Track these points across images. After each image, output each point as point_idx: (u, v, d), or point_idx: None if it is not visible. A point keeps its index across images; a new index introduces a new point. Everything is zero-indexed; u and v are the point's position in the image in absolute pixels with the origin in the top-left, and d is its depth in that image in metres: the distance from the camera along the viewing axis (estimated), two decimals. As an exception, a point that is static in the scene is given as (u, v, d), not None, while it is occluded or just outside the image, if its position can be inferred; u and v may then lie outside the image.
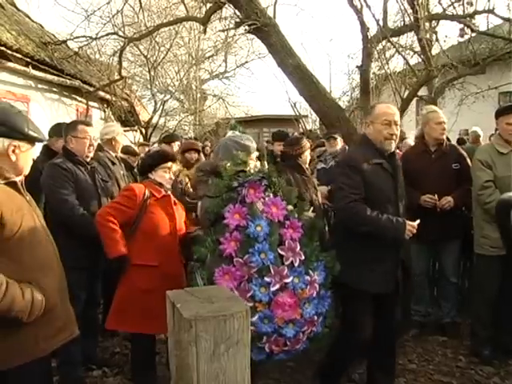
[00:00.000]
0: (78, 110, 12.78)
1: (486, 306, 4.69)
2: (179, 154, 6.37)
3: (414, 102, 11.50)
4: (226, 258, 3.22)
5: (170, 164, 4.17)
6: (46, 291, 2.42)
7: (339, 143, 7.37)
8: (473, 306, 4.93)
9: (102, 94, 13.34)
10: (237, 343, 1.81)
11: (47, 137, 4.77)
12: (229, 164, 3.49)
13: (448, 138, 5.53)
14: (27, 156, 2.56)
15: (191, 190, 5.80)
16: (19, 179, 2.51)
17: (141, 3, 11.33)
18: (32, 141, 2.56)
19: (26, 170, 2.60)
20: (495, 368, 4.54)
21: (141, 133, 15.42)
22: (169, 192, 4.16)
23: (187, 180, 6.02)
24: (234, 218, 3.27)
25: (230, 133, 5.74)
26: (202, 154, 7.19)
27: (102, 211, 3.90)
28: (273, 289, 3.14)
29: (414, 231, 3.66)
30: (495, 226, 4.45)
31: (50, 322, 2.48)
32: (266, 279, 3.13)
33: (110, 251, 3.79)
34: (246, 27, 8.35)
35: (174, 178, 4.34)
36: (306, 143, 5.30)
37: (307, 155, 5.29)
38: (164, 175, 4.12)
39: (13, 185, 2.45)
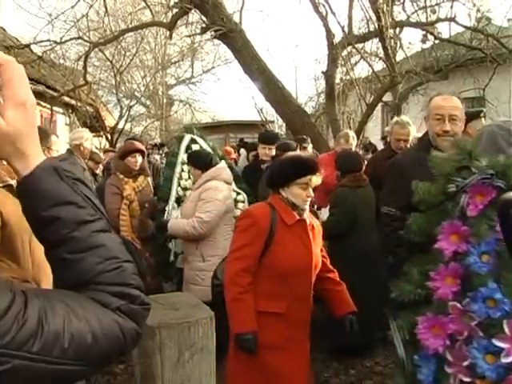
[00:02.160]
0: (42, 116, 12.57)
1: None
2: (116, 159, 5.23)
3: (379, 107, 11.67)
4: (438, 301, 2.04)
5: (309, 178, 3.00)
6: None
7: (310, 149, 7.31)
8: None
9: (66, 99, 13.13)
10: (201, 350, 1.80)
11: None
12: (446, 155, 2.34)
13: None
14: None
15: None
16: (14, 182, 2.55)
17: (106, 8, 11.20)
18: None
19: None
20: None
21: (106, 138, 15.23)
22: (305, 215, 3.07)
23: (132, 196, 4.89)
24: (451, 240, 2.08)
25: (187, 136, 5.71)
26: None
27: (230, 271, 2.91)
28: (506, 360, 1.76)
29: None
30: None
31: None
32: (496, 342, 1.80)
33: (236, 326, 2.80)
34: (212, 33, 8.36)
35: (311, 195, 3.10)
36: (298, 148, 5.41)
37: None
38: (301, 193, 2.99)
39: (10, 188, 2.55)
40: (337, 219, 4.78)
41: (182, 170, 5.52)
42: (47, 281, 2.49)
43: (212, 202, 4.31)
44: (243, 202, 5.46)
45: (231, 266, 2.93)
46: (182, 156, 5.53)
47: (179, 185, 5.46)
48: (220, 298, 3.00)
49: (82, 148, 5.52)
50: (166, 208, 5.19)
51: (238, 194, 5.48)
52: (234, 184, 5.43)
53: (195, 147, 5.61)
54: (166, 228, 4.49)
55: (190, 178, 5.37)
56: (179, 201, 5.39)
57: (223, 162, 4.96)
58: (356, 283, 4.68)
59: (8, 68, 1.02)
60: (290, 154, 3.44)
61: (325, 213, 5.02)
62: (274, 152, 5.70)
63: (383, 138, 8.78)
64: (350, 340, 4.83)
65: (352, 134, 6.37)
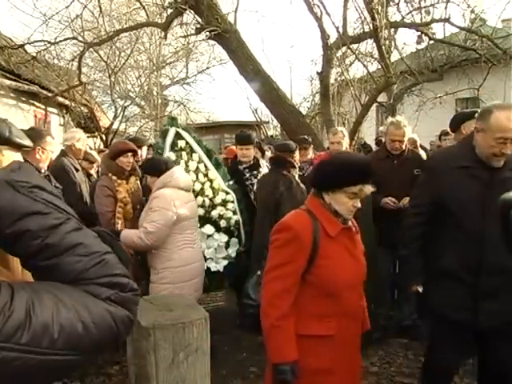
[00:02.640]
0: (36, 116, 12.54)
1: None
2: (107, 160, 4.93)
3: (373, 107, 11.69)
4: None
5: (359, 187, 2.55)
6: None
7: (311, 151, 7.17)
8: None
9: (61, 99, 13.11)
10: (196, 351, 1.79)
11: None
12: None
13: (422, 147, 5.66)
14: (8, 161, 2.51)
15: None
16: None
17: (101, 8, 11.18)
18: (15, 146, 2.52)
19: None
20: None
21: (101, 139, 15.18)
22: (349, 222, 2.67)
23: (127, 198, 4.69)
24: None
25: (172, 130, 5.41)
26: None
27: (269, 292, 2.53)
28: None
29: None
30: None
31: None
32: None
33: (274, 355, 2.50)
34: (207, 33, 8.36)
35: (358, 206, 2.65)
36: (296, 154, 5.38)
37: (298, 161, 5.37)
38: (347, 202, 2.56)
39: None
40: None
41: None
42: None
43: (158, 212, 4.04)
44: (232, 202, 5.37)
45: (270, 286, 2.53)
46: (168, 154, 5.22)
47: None
48: (251, 321, 2.73)
49: (74, 148, 5.48)
50: None
51: (227, 193, 5.37)
52: (222, 183, 5.39)
53: (181, 143, 5.33)
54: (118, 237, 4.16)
55: None
56: None
57: (179, 167, 4.58)
58: None
59: None
60: (343, 153, 2.89)
61: None
62: (251, 152, 5.69)
63: (377, 143, 8.76)
64: None
65: (341, 129, 6.37)
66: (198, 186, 5.17)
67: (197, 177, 5.23)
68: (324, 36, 9.16)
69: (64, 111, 14.37)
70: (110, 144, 15.15)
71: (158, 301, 2.01)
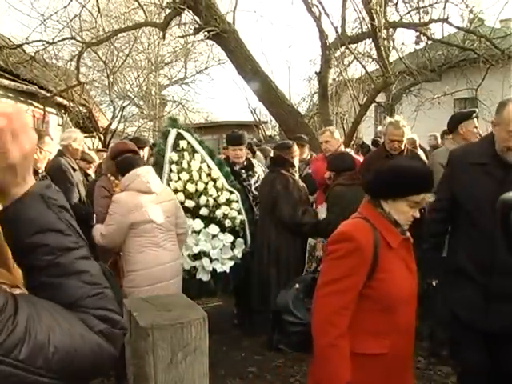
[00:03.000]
0: (34, 116, 12.50)
1: (446, 309, 4.77)
2: (107, 160, 4.91)
3: (372, 107, 11.69)
4: None
5: (422, 196, 2.40)
6: None
7: (307, 150, 7.14)
8: (434, 308, 5.00)
9: (59, 99, 13.09)
10: (194, 351, 1.79)
11: None
12: None
13: (421, 147, 5.67)
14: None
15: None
16: None
17: (99, 8, 11.17)
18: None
19: None
20: (453, 368, 4.62)
21: (99, 139, 15.18)
22: (407, 233, 2.52)
23: None
24: None
25: (173, 131, 5.35)
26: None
27: (326, 308, 2.33)
28: None
29: None
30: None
31: None
32: None
33: (329, 377, 2.31)
34: (206, 33, 8.36)
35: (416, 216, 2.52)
36: (297, 149, 5.32)
37: (297, 161, 5.32)
38: (408, 211, 2.41)
39: None
40: (338, 216, 4.84)
41: (171, 171, 5.22)
42: None
43: (111, 216, 4.05)
44: (237, 201, 5.30)
45: (327, 301, 2.32)
46: (170, 155, 5.25)
47: (168, 186, 5.02)
48: (297, 340, 2.54)
49: (70, 148, 5.48)
50: None
51: (231, 192, 5.29)
52: (226, 182, 5.31)
53: (183, 144, 5.32)
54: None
55: (179, 179, 5.15)
56: None
57: (146, 167, 4.38)
58: None
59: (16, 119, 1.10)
60: (402, 160, 2.61)
61: (321, 211, 5.02)
62: (244, 152, 5.62)
63: (373, 143, 8.74)
64: None
65: (330, 128, 6.36)
66: (201, 186, 5.14)
67: (200, 176, 5.19)
68: (322, 36, 9.17)
69: (62, 111, 14.36)
70: (109, 144, 15.17)
71: (157, 301, 2.01)
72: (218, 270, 4.98)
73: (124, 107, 17.77)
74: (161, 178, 4.98)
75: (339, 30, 9.42)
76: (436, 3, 10.69)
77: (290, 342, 2.62)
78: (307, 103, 16.26)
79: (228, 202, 5.22)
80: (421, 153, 6.09)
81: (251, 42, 11.30)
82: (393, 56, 12.03)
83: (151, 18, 12.28)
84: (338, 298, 2.29)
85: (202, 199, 5.09)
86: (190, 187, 5.11)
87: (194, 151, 5.36)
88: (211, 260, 4.96)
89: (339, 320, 2.28)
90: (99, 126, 15.50)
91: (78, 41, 11.77)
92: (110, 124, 16.27)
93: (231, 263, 5.09)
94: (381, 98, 11.67)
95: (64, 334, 1.03)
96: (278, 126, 14.31)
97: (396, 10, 11.13)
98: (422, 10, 11.00)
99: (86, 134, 13.76)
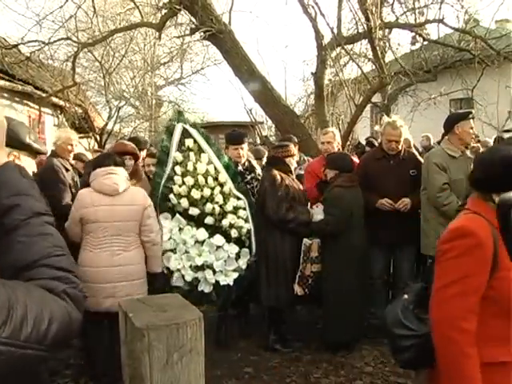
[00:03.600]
0: (30, 117, 12.50)
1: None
2: None
3: (368, 108, 11.70)
4: None
5: None
6: None
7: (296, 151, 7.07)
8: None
9: (55, 100, 13.09)
10: (190, 351, 1.78)
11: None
12: None
13: (415, 147, 5.68)
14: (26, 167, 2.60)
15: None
16: None
17: (94, 8, 11.16)
18: (33, 152, 2.61)
19: None
20: None
21: (95, 140, 15.16)
22: None
23: None
24: None
25: (179, 126, 4.96)
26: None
27: (451, 312, 2.09)
28: None
29: None
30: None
31: None
32: None
33: None
34: (202, 34, 8.35)
35: None
36: (293, 148, 5.31)
37: (293, 161, 5.32)
38: None
39: None
40: (337, 218, 4.87)
41: (175, 173, 4.82)
42: None
43: (71, 210, 4.22)
44: (244, 208, 4.95)
45: (451, 306, 2.09)
46: (174, 155, 4.87)
47: (171, 191, 4.77)
48: (413, 355, 2.26)
49: (63, 148, 5.44)
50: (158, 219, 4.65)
51: (238, 198, 4.95)
52: (233, 186, 4.99)
53: (188, 142, 4.93)
54: None
55: (184, 183, 4.77)
56: (173, 211, 4.80)
57: (111, 168, 4.22)
58: (345, 280, 4.81)
59: None
60: (505, 149, 2.40)
61: (317, 211, 5.02)
62: (245, 151, 5.45)
63: (368, 144, 8.69)
64: (337, 338, 4.94)
65: (332, 129, 6.39)
66: (207, 192, 4.78)
67: (206, 181, 4.82)
68: (318, 36, 9.18)
69: (58, 112, 14.34)
70: (105, 144, 15.15)
71: (152, 301, 2.00)
72: (222, 283, 4.72)
73: (120, 108, 17.75)
74: (161, 178, 4.84)
75: (335, 30, 9.43)
76: (432, 4, 10.74)
77: (402, 358, 2.34)
78: (303, 104, 16.27)
79: (235, 210, 4.88)
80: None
81: (247, 42, 11.34)
82: (389, 56, 12.07)
83: (147, 18, 12.25)
84: (462, 301, 2.08)
85: (208, 207, 4.75)
86: (195, 193, 4.74)
87: (200, 151, 4.96)
88: (214, 272, 4.71)
89: (467, 325, 2.06)
90: (95, 126, 15.48)
91: (74, 41, 11.74)
92: (106, 124, 16.24)
93: (235, 275, 4.79)
94: (377, 98, 11.71)
95: (38, 308, 1.11)
96: (273, 126, 14.31)
97: (392, 10, 11.16)
98: (417, 11, 11.04)
99: (81, 135, 13.76)
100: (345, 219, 4.91)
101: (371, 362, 4.78)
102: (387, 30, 11.31)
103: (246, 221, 4.91)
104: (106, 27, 14.94)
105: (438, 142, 7.80)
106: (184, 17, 9.91)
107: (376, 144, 7.22)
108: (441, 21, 9.98)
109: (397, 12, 11.22)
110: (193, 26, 8.67)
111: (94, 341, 4.29)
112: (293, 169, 5.31)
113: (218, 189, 4.86)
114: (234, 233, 4.82)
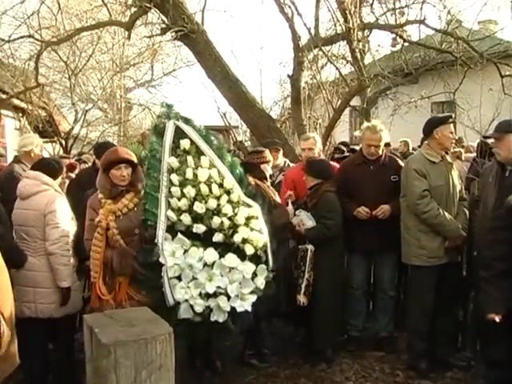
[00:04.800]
0: (-11, 120, 12.33)
1: (424, 318, 4.84)
2: (100, 173, 4.22)
3: (346, 111, 11.79)
4: None
5: None
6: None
7: (281, 156, 6.84)
8: (410, 318, 5.07)
9: (16, 101, 12.93)
10: (160, 368, 1.78)
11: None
12: None
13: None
14: None
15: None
16: None
17: (59, 4, 11.06)
18: None
19: None
20: (432, 381, 4.68)
21: (60, 144, 15.01)
22: None
23: (104, 223, 3.99)
24: None
25: (170, 124, 4.14)
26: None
27: None
28: None
29: None
30: (432, 235, 4.71)
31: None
32: None
33: None
34: (173, 34, 8.35)
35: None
36: (268, 155, 5.43)
37: (268, 167, 5.38)
38: None
39: None
40: (336, 222, 4.95)
41: (171, 183, 4.01)
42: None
43: None
44: (257, 217, 4.13)
45: None
46: (168, 160, 4.05)
47: (169, 205, 3.97)
48: None
49: (32, 155, 5.41)
50: (156, 239, 3.88)
51: (249, 206, 4.17)
52: (241, 192, 4.18)
53: (184, 144, 4.12)
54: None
55: (184, 196, 3.95)
56: (174, 230, 3.97)
57: (25, 172, 4.43)
58: (332, 287, 4.87)
59: None
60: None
61: (305, 217, 5.03)
62: None
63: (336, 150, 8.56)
64: (314, 345, 4.97)
65: (313, 134, 6.46)
66: (213, 203, 3.96)
67: (210, 189, 4.00)
68: (295, 37, 9.24)
69: (20, 114, 14.17)
70: (70, 150, 15.01)
71: (119, 316, 1.99)
72: (238, 309, 3.93)
73: (87, 111, 17.59)
74: (155, 190, 4.03)
75: (312, 31, 9.50)
76: (413, 3, 10.89)
77: None
78: (279, 107, 16.32)
79: (247, 221, 4.08)
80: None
81: (221, 43, 11.32)
82: (368, 58, 12.18)
83: (115, 16, 12.19)
84: None
85: (215, 221, 3.93)
86: (199, 207, 3.93)
87: (199, 153, 4.15)
88: (228, 298, 3.92)
89: None
90: (60, 130, 15.33)
91: (37, 39, 11.59)
92: (72, 128, 16.09)
93: (253, 298, 4.00)
94: (356, 101, 11.80)
95: None
96: (248, 131, 14.33)
97: (371, 10, 11.33)
98: (397, 11, 11.20)
99: (46, 139, 13.61)
100: (341, 223, 5.05)
101: (352, 377, 4.81)
102: (367, 31, 11.42)
103: (261, 231, 4.12)
104: (72, 25, 14.79)
105: (418, 147, 7.90)
106: (154, 15, 9.89)
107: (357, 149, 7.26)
108: (422, 21, 10.13)
109: (376, 12, 11.39)
110: (164, 26, 8.64)
111: (29, 352, 3.94)
112: (268, 175, 5.32)
113: (224, 198, 4.05)
114: (248, 249, 4.01)
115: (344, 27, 8.70)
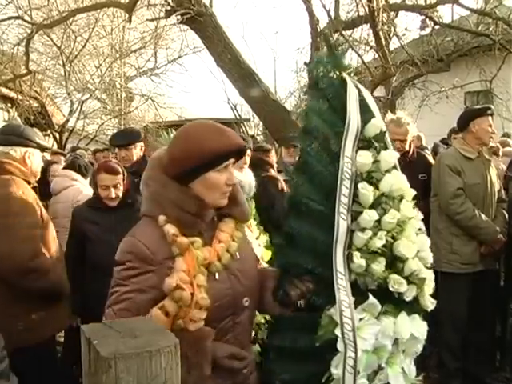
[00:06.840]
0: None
1: (456, 333, 4.80)
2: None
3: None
4: None
5: None
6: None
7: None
8: (441, 332, 5.04)
9: (5, 91, 13.03)
10: (164, 383, 1.78)
11: None
12: None
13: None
14: (39, 161, 3.55)
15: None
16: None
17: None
18: (41, 149, 3.59)
19: (38, 175, 3.56)
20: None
21: (54, 138, 15.12)
22: None
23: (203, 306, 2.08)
24: None
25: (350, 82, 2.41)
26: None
27: None
28: None
29: None
30: (466, 239, 4.66)
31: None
32: None
33: None
34: (179, 17, 8.37)
35: None
36: (273, 156, 5.83)
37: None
38: None
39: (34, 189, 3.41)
40: None
41: (357, 202, 2.51)
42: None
43: None
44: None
45: None
46: (358, 158, 2.41)
47: (351, 241, 2.48)
48: None
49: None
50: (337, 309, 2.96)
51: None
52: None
53: (373, 128, 2.53)
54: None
55: (379, 227, 2.40)
56: (357, 286, 2.38)
57: None
58: None
59: None
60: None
61: None
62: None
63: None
64: None
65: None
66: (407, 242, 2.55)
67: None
68: (313, 21, 9.25)
69: (9, 105, 14.27)
70: (65, 144, 15.07)
71: (120, 326, 1.99)
72: None
73: (83, 101, 17.71)
74: (328, 199, 2.47)
75: (332, 13, 9.50)
76: (445, -19, 10.80)
77: None
78: (295, 98, 16.34)
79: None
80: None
81: (231, 27, 11.33)
82: (394, 44, 12.15)
83: (115, -3, 12.24)
84: None
85: (411, 267, 2.44)
86: (402, 247, 2.47)
87: (386, 144, 2.71)
88: None
89: None
90: (54, 122, 15.42)
91: (27, 21, 11.60)
92: (67, 121, 16.20)
93: None
94: (380, 91, 11.76)
95: None
96: (261, 124, 14.35)
97: (398, -11, 11.25)
98: (428, -10, 11.13)
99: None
100: None
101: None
102: (392, 13, 11.37)
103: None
104: (66, 6, 14.87)
105: (445, 141, 7.83)
106: (158, -4, 9.94)
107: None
108: (455, 1, 10.05)
109: (404, -9, 11.31)
110: (168, 8, 8.68)
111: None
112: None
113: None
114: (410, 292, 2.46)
115: (367, 9, 8.68)
